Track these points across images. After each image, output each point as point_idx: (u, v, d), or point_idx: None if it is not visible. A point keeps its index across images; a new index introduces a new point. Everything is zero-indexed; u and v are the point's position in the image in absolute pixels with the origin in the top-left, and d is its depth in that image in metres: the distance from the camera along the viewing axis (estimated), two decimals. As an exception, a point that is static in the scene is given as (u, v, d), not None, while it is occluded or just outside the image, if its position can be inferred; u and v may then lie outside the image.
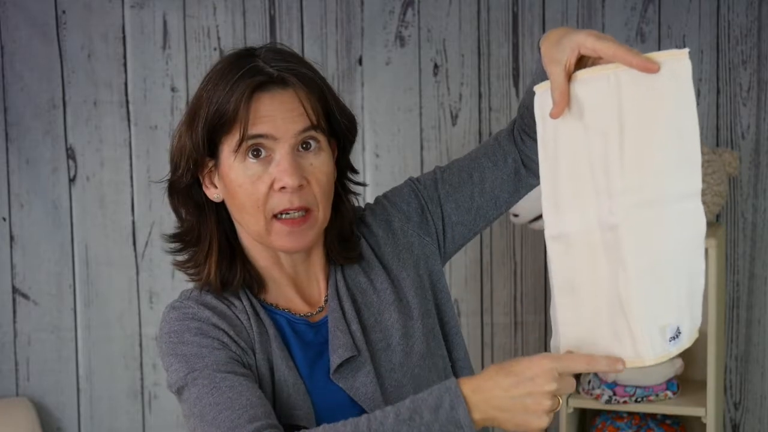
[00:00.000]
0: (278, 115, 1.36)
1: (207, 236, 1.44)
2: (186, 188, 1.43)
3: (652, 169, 1.22)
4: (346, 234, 1.48)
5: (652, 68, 1.19)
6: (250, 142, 1.35)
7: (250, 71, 1.36)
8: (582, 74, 1.25)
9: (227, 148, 1.37)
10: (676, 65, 1.21)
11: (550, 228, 1.30)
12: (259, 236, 1.41)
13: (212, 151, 1.39)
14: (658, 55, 1.21)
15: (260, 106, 1.35)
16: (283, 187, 1.36)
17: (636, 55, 1.20)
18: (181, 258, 1.47)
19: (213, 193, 1.43)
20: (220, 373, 1.35)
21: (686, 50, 1.21)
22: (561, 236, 1.29)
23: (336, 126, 1.44)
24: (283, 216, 1.38)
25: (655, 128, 1.21)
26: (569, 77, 1.26)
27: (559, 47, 1.27)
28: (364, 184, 1.53)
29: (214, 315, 1.41)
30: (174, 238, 1.48)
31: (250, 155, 1.36)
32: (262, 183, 1.37)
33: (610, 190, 1.23)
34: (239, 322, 1.42)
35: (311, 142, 1.39)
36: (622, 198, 1.22)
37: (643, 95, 1.21)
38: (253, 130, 1.35)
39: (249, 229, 1.42)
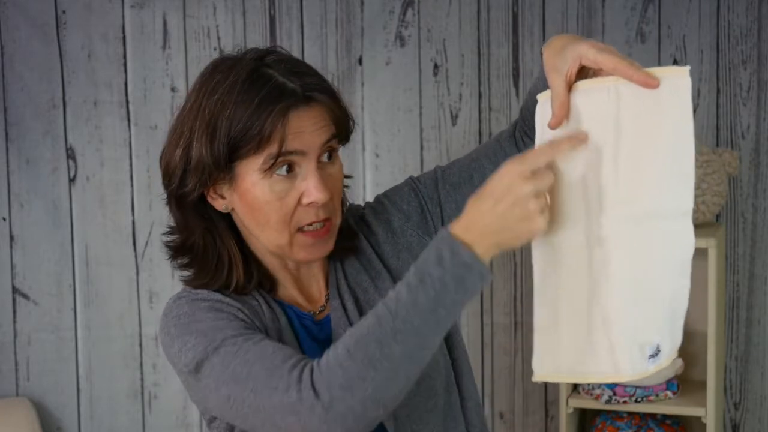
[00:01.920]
0: (306, 130, 1.35)
1: (224, 248, 1.43)
2: (194, 201, 1.41)
3: (644, 185, 1.21)
4: (342, 227, 1.49)
5: (652, 83, 1.19)
6: (284, 159, 1.35)
7: (275, 90, 1.34)
8: (582, 85, 1.25)
9: (251, 165, 1.35)
10: (677, 82, 1.20)
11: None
12: (279, 248, 1.40)
13: (227, 165, 1.37)
14: (658, 71, 1.20)
15: (292, 126, 1.34)
16: (312, 202, 1.36)
17: (636, 70, 1.20)
18: (189, 272, 1.45)
19: (221, 204, 1.41)
20: (241, 336, 1.33)
21: (687, 68, 1.21)
22: (547, 243, 1.28)
23: (343, 130, 1.44)
24: (306, 228, 1.39)
25: (651, 144, 1.21)
26: (570, 87, 1.26)
27: (561, 56, 1.27)
28: (349, 176, 1.53)
29: (226, 297, 1.41)
30: (180, 252, 1.45)
31: (280, 171, 1.35)
32: (290, 198, 1.36)
33: (602, 203, 1.22)
34: (251, 306, 1.42)
35: (331, 152, 1.40)
36: (613, 211, 1.22)
37: (641, 110, 1.21)
38: (287, 148, 1.34)
39: (268, 241, 1.40)
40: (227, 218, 1.44)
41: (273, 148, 1.33)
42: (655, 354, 1.24)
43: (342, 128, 1.41)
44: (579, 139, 1.22)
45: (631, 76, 1.20)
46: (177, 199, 1.41)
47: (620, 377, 1.23)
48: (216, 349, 1.32)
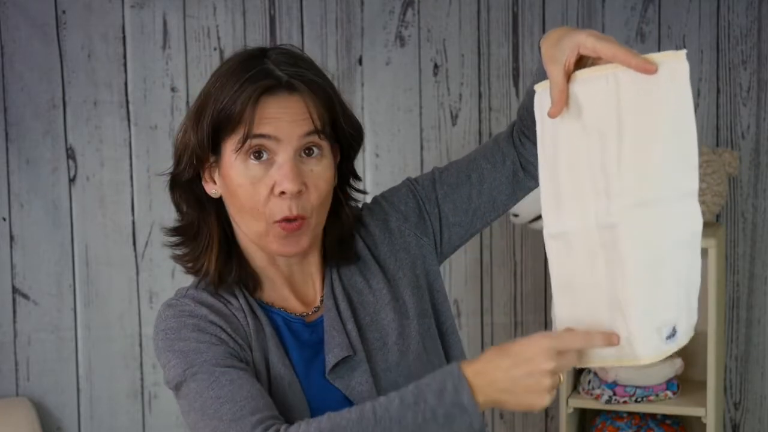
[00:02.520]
0: (283, 118, 1.36)
1: (207, 230, 1.45)
2: (187, 182, 1.44)
3: (649, 170, 1.22)
4: (344, 237, 1.49)
5: (650, 69, 1.20)
6: (253, 141, 1.36)
7: (259, 73, 1.36)
8: (581, 74, 1.26)
9: (230, 146, 1.38)
10: (674, 66, 1.21)
11: (549, 227, 1.31)
12: (257, 237, 1.41)
13: (215, 147, 1.40)
14: (656, 56, 1.21)
15: (266, 109, 1.36)
16: (283, 192, 1.36)
17: (635, 56, 1.21)
18: (179, 251, 1.48)
19: (212, 189, 1.43)
20: (220, 367, 1.35)
21: (684, 51, 1.22)
22: (560, 235, 1.30)
23: (340, 133, 1.44)
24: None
25: (653, 129, 1.22)
26: (569, 77, 1.26)
27: (559, 47, 1.27)
28: (365, 192, 1.54)
29: (211, 312, 1.41)
30: (174, 231, 1.48)
31: (252, 156, 1.37)
32: (263, 186, 1.37)
33: (609, 190, 1.23)
34: (236, 319, 1.42)
35: (314, 148, 1.39)
36: (620, 198, 1.23)
37: (641, 96, 1.22)
38: (256, 131, 1.35)
39: (247, 229, 1.42)
40: (219, 207, 1.45)
41: (244, 129, 1.35)
42: (672, 334, 1.26)
43: (328, 127, 1.41)
44: (613, 341, 1.24)
45: (629, 62, 1.21)
46: (173, 179, 1.45)
47: (639, 361, 1.25)
48: (194, 375, 1.35)
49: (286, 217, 1.37)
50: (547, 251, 1.32)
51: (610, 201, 1.23)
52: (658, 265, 1.24)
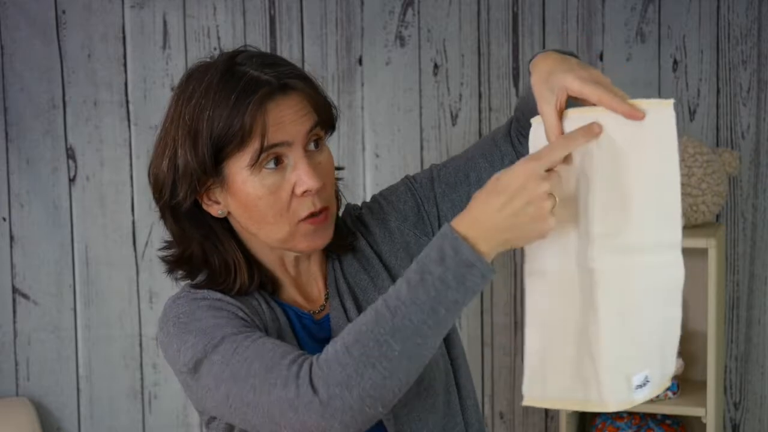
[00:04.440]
0: (287, 119, 1.35)
1: (227, 252, 1.42)
2: (188, 210, 1.41)
3: (629, 218, 1.21)
4: (339, 225, 1.48)
5: (637, 116, 1.19)
6: (270, 152, 1.34)
7: (248, 83, 1.34)
8: (571, 113, 1.25)
9: (238, 163, 1.35)
10: (661, 114, 1.19)
11: (531, 263, 1.30)
12: (281, 242, 1.40)
13: (214, 168, 1.37)
14: (644, 103, 1.20)
15: (272, 116, 1.34)
16: (305, 191, 1.36)
17: (621, 102, 1.19)
18: (199, 279, 1.44)
19: (216, 210, 1.41)
20: (241, 334, 1.32)
21: (671, 101, 1.20)
22: (540, 273, 1.28)
23: (330, 116, 1.44)
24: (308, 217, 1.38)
25: (635, 176, 1.20)
26: (561, 115, 1.25)
27: (547, 86, 1.26)
28: (341, 167, 1.52)
29: (226, 296, 1.40)
30: (180, 263, 1.44)
31: (269, 165, 1.35)
32: (283, 191, 1.36)
33: (589, 234, 1.22)
34: (252, 305, 1.41)
35: (318, 140, 1.39)
36: (599, 243, 1.22)
37: (625, 141, 1.20)
38: (271, 141, 1.34)
39: (269, 237, 1.40)
40: (225, 223, 1.44)
41: (256, 143, 1.33)
42: (642, 384, 1.24)
43: (324, 115, 1.41)
44: (594, 131, 1.20)
45: (616, 108, 1.19)
46: (171, 210, 1.41)
47: (605, 407, 1.23)
48: (215, 347, 1.32)
49: (312, 212, 1.37)
50: (525, 287, 1.30)
51: (590, 245, 1.22)
52: (632, 314, 1.22)
